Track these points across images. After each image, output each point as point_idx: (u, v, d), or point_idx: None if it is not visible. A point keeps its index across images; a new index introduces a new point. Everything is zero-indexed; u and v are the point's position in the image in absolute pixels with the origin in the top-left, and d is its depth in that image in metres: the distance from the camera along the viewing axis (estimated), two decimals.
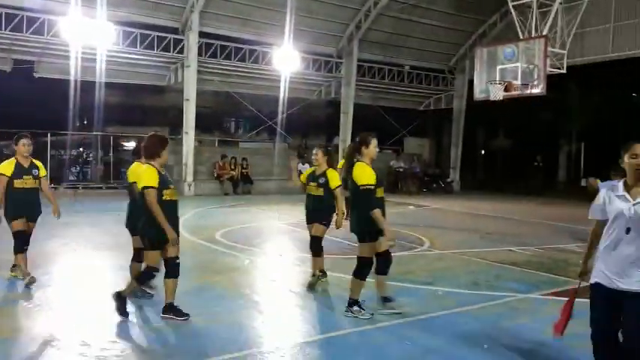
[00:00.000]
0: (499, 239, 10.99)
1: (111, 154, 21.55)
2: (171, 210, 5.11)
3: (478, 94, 18.13)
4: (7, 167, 6.29)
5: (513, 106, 25.72)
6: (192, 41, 18.93)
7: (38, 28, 16.66)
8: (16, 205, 6.24)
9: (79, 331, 4.92)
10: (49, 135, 19.43)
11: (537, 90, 16.75)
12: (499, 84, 16.93)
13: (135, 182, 5.34)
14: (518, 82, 16.65)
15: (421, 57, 24.32)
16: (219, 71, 20.98)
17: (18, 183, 6.27)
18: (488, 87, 17.33)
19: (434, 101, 27.00)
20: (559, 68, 17.38)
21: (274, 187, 21.24)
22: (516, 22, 17.77)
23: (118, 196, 11.16)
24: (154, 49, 18.71)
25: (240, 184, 20.69)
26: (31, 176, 6.38)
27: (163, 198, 5.07)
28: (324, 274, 6.78)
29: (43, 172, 6.59)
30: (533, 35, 17.11)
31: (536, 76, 16.72)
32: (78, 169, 22.74)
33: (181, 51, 19.16)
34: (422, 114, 27.99)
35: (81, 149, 23.03)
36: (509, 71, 16.85)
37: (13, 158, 6.38)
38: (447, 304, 6.11)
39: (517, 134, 31.45)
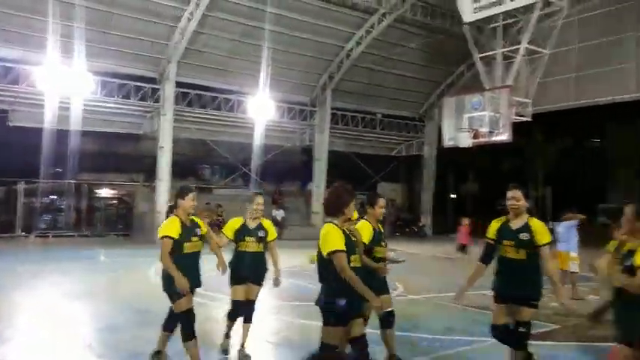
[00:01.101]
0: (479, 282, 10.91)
1: (84, 201, 21.20)
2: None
3: (447, 141, 18.49)
4: (172, 228, 4.82)
5: (481, 152, 26.40)
6: (168, 91, 19.05)
7: (13, 78, 16.60)
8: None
9: None
10: (22, 183, 19.12)
11: (503, 137, 17.15)
12: (467, 131, 17.33)
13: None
14: (485, 129, 17.05)
15: (393, 105, 24.83)
16: (195, 119, 21.06)
17: (188, 247, 4.90)
18: (457, 134, 17.70)
19: (405, 147, 27.40)
20: (524, 116, 17.84)
21: None
22: (482, 73, 18.31)
23: (91, 244, 10.96)
24: (130, 98, 18.75)
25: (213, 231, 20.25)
26: (197, 237, 5.02)
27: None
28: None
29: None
30: (498, 85, 17.61)
31: (501, 124, 17.12)
32: (50, 217, 22.22)
33: (158, 100, 19.22)
34: (394, 160, 28.31)
35: (53, 197, 22.56)
36: (476, 119, 17.25)
37: (174, 216, 4.89)
38: (421, 351, 6.02)
39: (485, 179, 32.01)
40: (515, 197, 4.45)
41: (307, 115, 23.11)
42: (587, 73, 19.40)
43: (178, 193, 4.90)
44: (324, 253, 3.86)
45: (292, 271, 10.62)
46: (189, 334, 4.69)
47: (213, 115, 20.89)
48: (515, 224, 4.49)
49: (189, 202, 4.84)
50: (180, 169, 24.03)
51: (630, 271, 3.66)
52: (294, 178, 28.45)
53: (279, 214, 22.36)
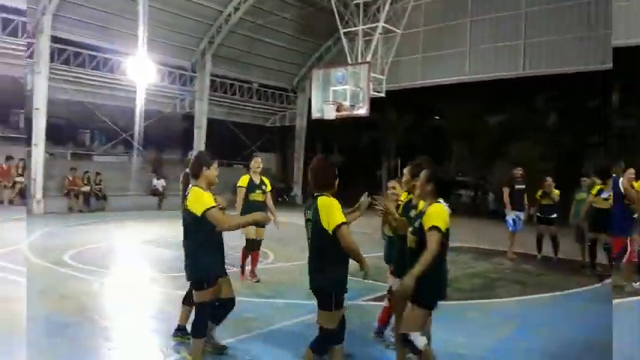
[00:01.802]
0: None
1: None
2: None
3: (315, 113, 18.24)
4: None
5: (344, 125, 27.17)
6: (43, 46, 16.95)
7: None
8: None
9: None
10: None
11: (362, 111, 17.29)
12: (332, 104, 17.26)
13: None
14: (347, 103, 17.13)
15: (269, 75, 24.44)
16: (73, 79, 19.14)
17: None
18: (323, 107, 17.57)
19: (279, 118, 27.25)
20: (379, 92, 18.25)
21: (130, 203, 19.44)
22: (345, 48, 18.63)
23: None
24: None
25: (91, 201, 18.46)
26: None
27: None
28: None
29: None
30: (359, 61, 17.95)
31: (361, 98, 17.35)
32: None
33: (31, 56, 17.11)
34: (269, 130, 28.19)
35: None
36: (340, 93, 17.29)
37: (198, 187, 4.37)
38: (287, 316, 6.00)
39: (348, 151, 33.11)
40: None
41: (187, 81, 22.13)
42: (431, 55, 20.34)
43: (203, 162, 4.31)
44: (330, 228, 3.55)
45: (173, 241, 9.97)
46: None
47: (93, 75, 19.15)
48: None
49: (214, 172, 4.35)
50: (57, 134, 21.80)
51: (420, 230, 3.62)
52: (176, 145, 27.18)
53: (159, 183, 21.13)
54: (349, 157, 33.93)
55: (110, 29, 18.67)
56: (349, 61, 18.42)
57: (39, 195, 16.90)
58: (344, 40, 18.78)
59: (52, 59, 17.52)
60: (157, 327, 5.49)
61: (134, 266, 9.27)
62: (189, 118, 24.03)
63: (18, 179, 17.05)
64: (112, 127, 22.26)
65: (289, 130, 27.63)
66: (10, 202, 16.68)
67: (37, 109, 17.16)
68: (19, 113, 22.53)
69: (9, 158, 17.21)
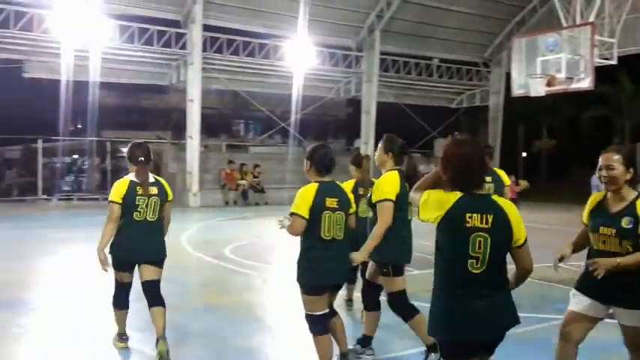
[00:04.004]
0: (543, 253, 10.79)
1: (108, 161, 21.76)
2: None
3: (517, 90, 18.02)
4: None
5: (558, 102, 25.74)
6: (195, 35, 19.02)
7: (27, 24, 16.87)
8: None
9: None
10: (40, 141, 19.73)
11: (584, 84, 16.52)
12: (540, 78, 16.80)
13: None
14: (563, 75, 16.43)
15: (452, 49, 24.21)
16: (226, 68, 21.07)
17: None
18: (528, 81, 17.23)
19: (467, 98, 26.87)
20: (608, 59, 17.21)
21: (288, 196, 21.07)
22: (558, 8, 17.64)
23: None
24: (153, 45, 18.88)
25: (248, 194, 20.55)
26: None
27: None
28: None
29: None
30: (577, 22, 16.94)
31: (582, 68, 16.47)
32: (72, 178, 23.03)
33: (184, 46, 19.29)
34: (454, 112, 27.86)
35: (75, 156, 23.31)
36: (551, 63, 16.64)
37: None
38: None
39: (563, 133, 31.24)
40: (609, 165, 3.57)
41: (352, 62, 22.82)
42: None
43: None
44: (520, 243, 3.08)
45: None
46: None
47: (247, 62, 20.85)
48: (615, 205, 3.66)
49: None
50: (211, 125, 24.38)
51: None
52: (339, 133, 28.45)
53: None
54: (564, 142, 32.04)
55: (264, 12, 20.11)
56: (564, 24, 17.47)
57: (195, 188, 19.36)
58: None
59: (204, 49, 19.49)
60: None
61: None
62: (354, 103, 24.84)
63: (240, 182, 20.32)
64: (268, 116, 24.03)
65: (480, 111, 27.01)
66: (235, 202, 20.08)
67: (191, 100, 19.44)
68: (239, 122, 27.08)
69: (231, 162, 20.72)
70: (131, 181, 4.74)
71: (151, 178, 4.84)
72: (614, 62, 17.45)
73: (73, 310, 6.59)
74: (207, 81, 20.23)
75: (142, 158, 4.77)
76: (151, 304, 4.76)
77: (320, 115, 25.11)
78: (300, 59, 20.24)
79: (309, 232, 4.11)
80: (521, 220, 3.05)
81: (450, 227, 2.90)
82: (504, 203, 3.00)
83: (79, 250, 10.26)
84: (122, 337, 5.06)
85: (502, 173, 6.64)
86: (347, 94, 24.66)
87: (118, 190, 4.74)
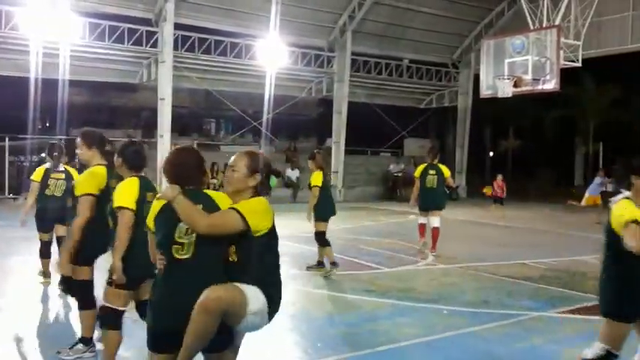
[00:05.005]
0: (510, 251, 10.99)
1: (77, 160, 21.34)
2: None
3: (485, 91, 18.07)
4: None
5: (523, 103, 26.01)
6: (166, 33, 18.78)
7: None
8: None
9: None
10: (6, 139, 19.34)
11: (550, 85, 16.62)
12: (508, 79, 16.87)
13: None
14: (529, 76, 16.57)
15: (422, 50, 24.31)
16: (198, 67, 20.87)
17: None
18: (496, 82, 17.30)
19: (436, 98, 27.04)
20: (574, 61, 17.31)
21: None
22: (526, 11, 17.80)
23: None
24: (124, 43, 18.59)
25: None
26: None
27: None
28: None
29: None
30: (544, 25, 17.11)
31: (548, 70, 16.62)
32: None
33: (155, 45, 19.06)
34: (423, 112, 28.05)
35: (43, 155, 22.82)
36: (518, 65, 16.78)
37: None
38: (453, 324, 6.10)
39: (528, 133, 31.63)
40: None
41: (324, 62, 22.83)
42: None
43: None
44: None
45: (308, 237, 10.76)
46: None
47: (219, 61, 20.66)
48: None
49: None
50: (183, 124, 24.17)
51: None
52: (310, 132, 28.45)
53: (293, 174, 22.39)
54: (530, 142, 32.50)
55: (237, 11, 19.96)
56: (531, 27, 17.65)
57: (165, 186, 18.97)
58: (523, 2, 17.96)
59: (175, 47, 19.30)
60: (296, 325, 6.10)
61: None
62: (325, 103, 24.85)
63: (212, 181, 19.67)
64: (240, 116, 23.93)
65: (449, 111, 27.23)
66: None
67: (162, 99, 19.24)
68: (211, 121, 27.19)
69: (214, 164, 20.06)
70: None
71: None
72: (578, 64, 17.58)
73: (38, 311, 6.48)
74: (178, 79, 20.01)
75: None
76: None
77: (292, 114, 25.08)
78: (272, 59, 20.16)
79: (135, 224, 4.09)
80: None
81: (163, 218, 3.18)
82: (216, 196, 3.36)
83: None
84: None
85: (444, 168, 9.96)
86: (319, 94, 24.65)
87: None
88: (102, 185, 4.62)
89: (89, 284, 4.74)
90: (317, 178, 8.37)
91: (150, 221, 3.25)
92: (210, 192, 3.39)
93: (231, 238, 3.14)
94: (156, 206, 3.23)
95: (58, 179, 7.06)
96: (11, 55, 18.07)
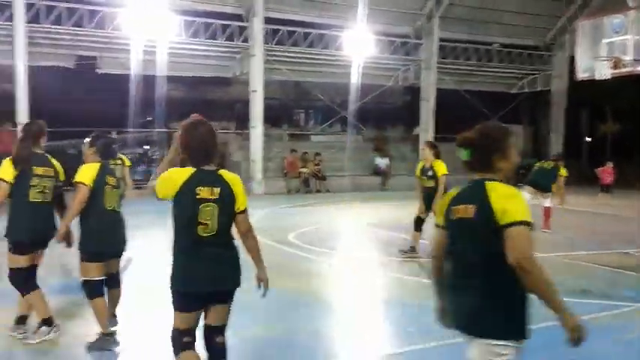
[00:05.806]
0: (611, 240, 10.49)
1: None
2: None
3: (581, 73, 17.74)
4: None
5: (624, 85, 24.60)
6: (256, 28, 19.31)
7: (99, 22, 17.55)
8: None
9: None
10: (113, 133, 20.46)
11: None
12: (606, 60, 16.46)
13: None
14: (629, 57, 16.05)
15: (512, 33, 23.74)
16: (287, 59, 21.26)
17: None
18: (594, 64, 16.91)
19: (528, 83, 26.16)
20: None
21: (348, 183, 21.26)
22: None
23: None
24: (217, 39, 19.28)
25: (310, 182, 20.80)
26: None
27: None
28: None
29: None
30: None
31: None
32: (144, 167, 23.72)
33: (246, 39, 19.61)
34: (515, 97, 27.21)
35: (146, 147, 24.04)
36: (617, 45, 16.35)
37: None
38: (550, 315, 5.87)
39: (630, 117, 29.88)
40: None
41: (411, 50, 22.60)
42: None
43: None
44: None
45: (399, 225, 10.75)
46: None
47: (307, 53, 20.99)
48: None
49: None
50: (273, 115, 24.58)
51: None
52: (398, 121, 28.13)
53: (383, 162, 22.46)
54: (629, 126, 30.66)
55: (323, 3, 20.24)
56: (630, 4, 16.79)
57: (259, 176, 19.75)
58: None
59: (265, 41, 19.74)
60: (388, 313, 6.15)
61: (361, 249, 10.30)
62: (412, 91, 24.57)
63: (302, 170, 20.75)
64: (328, 106, 24.09)
65: (542, 95, 26.30)
66: (297, 190, 20.55)
67: (255, 91, 19.77)
68: (300, 112, 28.13)
69: (293, 151, 21.20)
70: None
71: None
72: None
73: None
74: (269, 72, 20.47)
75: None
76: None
77: (378, 103, 24.95)
78: (358, 48, 20.20)
79: (89, 203, 4.65)
80: (243, 190, 3.55)
81: (183, 199, 3.30)
82: (229, 177, 3.47)
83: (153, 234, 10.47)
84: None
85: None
86: (405, 82, 24.42)
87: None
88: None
89: (22, 271, 4.79)
90: (443, 167, 8.24)
91: (164, 194, 3.36)
92: (223, 172, 3.49)
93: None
94: (177, 181, 3.31)
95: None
96: (115, 54, 19.11)
